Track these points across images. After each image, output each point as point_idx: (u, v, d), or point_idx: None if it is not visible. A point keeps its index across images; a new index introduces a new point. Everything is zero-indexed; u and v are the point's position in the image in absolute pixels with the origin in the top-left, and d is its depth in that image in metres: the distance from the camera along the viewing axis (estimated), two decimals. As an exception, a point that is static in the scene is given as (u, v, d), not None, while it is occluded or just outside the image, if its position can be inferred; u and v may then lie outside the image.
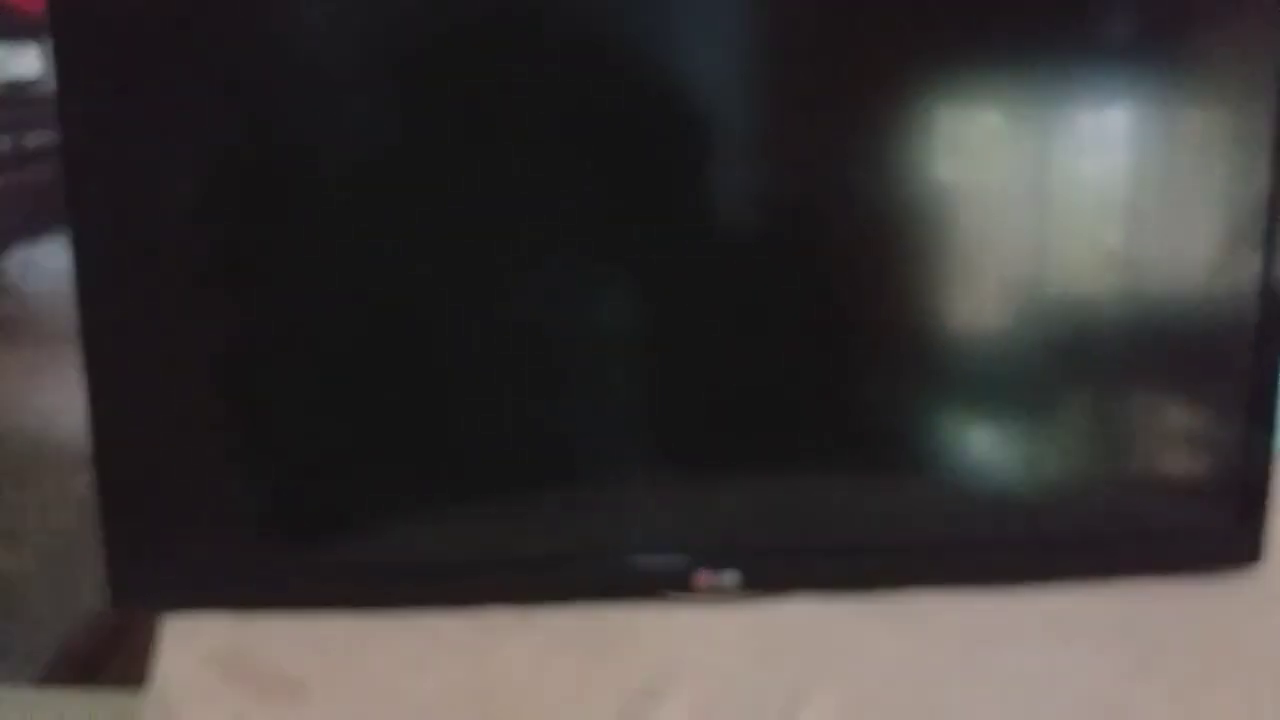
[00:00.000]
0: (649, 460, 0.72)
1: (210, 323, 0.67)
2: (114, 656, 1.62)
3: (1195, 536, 0.76)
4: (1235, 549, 0.75)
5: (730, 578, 0.71)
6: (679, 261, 0.69)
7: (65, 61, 0.62)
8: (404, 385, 0.69)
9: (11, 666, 1.62)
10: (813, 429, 0.73)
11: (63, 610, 1.75)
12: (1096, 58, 0.70)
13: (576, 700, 0.62)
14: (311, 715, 0.60)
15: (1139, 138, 0.72)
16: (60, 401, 2.58)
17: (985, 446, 0.76)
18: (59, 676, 1.60)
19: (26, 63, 2.94)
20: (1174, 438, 0.76)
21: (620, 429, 0.72)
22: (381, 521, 0.70)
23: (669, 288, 0.70)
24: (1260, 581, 0.75)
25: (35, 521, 2.03)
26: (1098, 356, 0.74)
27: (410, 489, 0.70)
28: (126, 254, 0.65)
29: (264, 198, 0.66)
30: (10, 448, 2.38)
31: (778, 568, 0.72)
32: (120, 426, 0.65)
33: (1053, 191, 0.72)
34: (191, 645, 0.65)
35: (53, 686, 1.58)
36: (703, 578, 0.71)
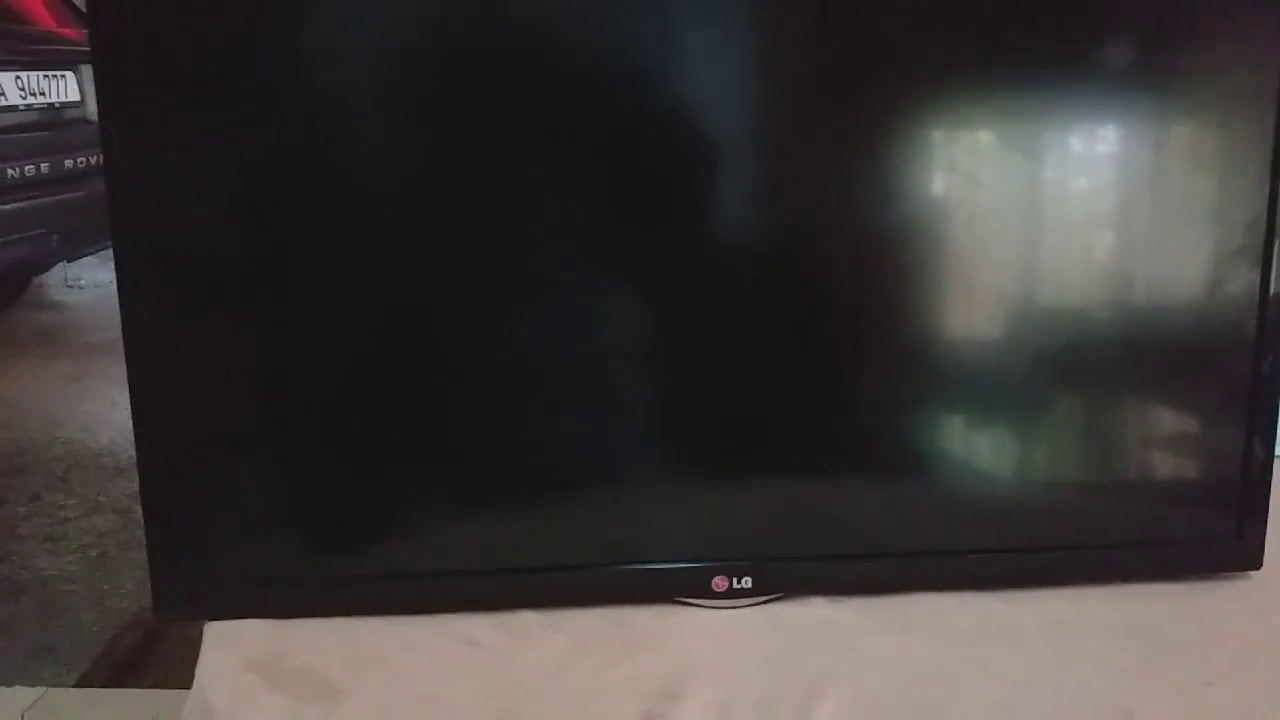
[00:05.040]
0: (669, 471, 0.75)
1: (251, 337, 0.70)
2: (152, 658, 1.66)
3: (1196, 543, 0.77)
4: (1236, 556, 0.77)
5: (746, 582, 0.73)
6: (696, 279, 0.72)
7: (106, 85, 0.65)
8: (435, 400, 0.71)
9: (54, 667, 1.66)
10: (824, 440, 0.75)
11: (103, 612, 1.79)
12: (1096, 76, 0.72)
13: (600, 700, 0.64)
14: (348, 717, 0.62)
15: (1144, 154, 0.74)
16: (99, 410, 2.64)
17: (992, 455, 0.78)
18: (99, 677, 1.64)
19: (64, 87, 3.00)
20: (1176, 446, 0.78)
21: (642, 441, 0.75)
22: (414, 530, 0.73)
23: (690, 305, 0.72)
24: (1260, 587, 0.77)
25: (76, 526, 2.08)
26: (1103, 368, 0.76)
27: (441, 499, 0.73)
28: (167, 270, 0.67)
29: (300, 216, 0.69)
30: (52, 455, 2.44)
31: (791, 573, 0.75)
32: (164, 440, 0.69)
33: (1059, 208, 0.74)
34: (232, 650, 0.67)
35: (93, 686, 1.62)
36: (720, 582, 0.73)
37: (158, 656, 1.66)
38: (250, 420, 0.71)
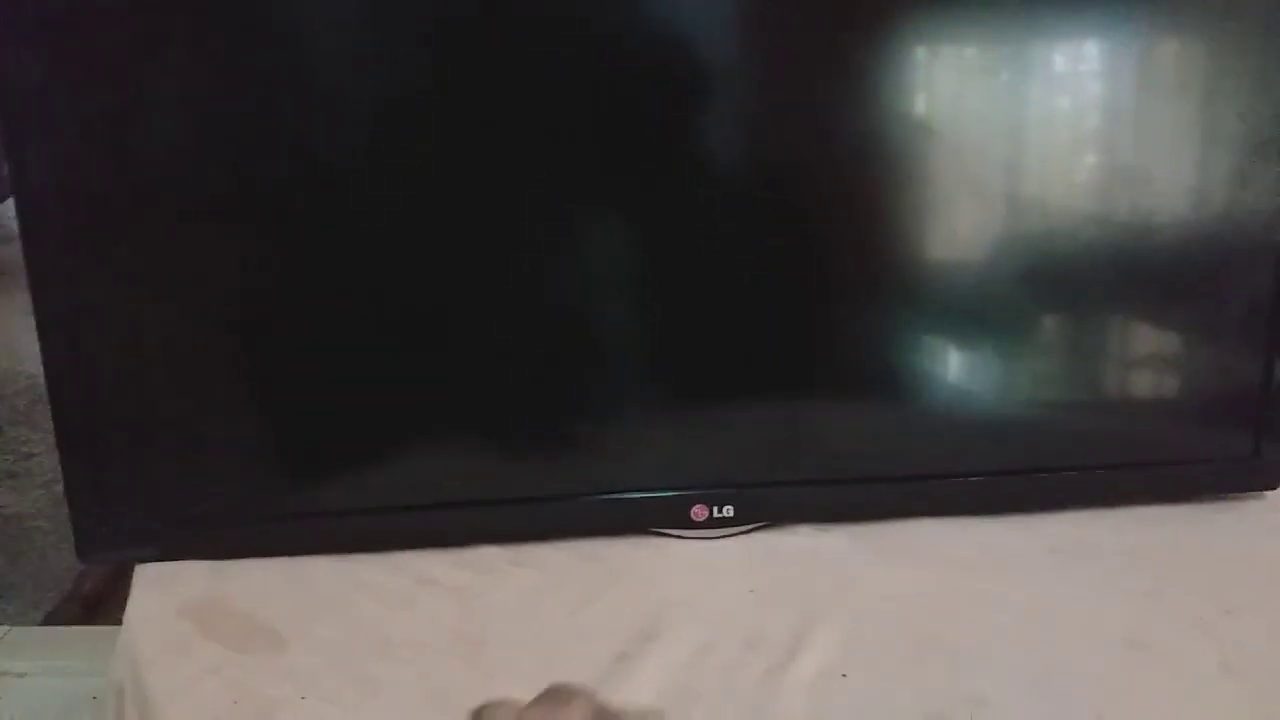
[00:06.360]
0: (644, 394, 0.70)
1: (190, 261, 0.63)
2: (120, 595, 1.62)
3: (1210, 463, 0.74)
4: (1252, 475, 0.73)
5: (727, 511, 0.69)
6: (671, 203, 0.67)
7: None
8: (392, 321, 0.66)
9: (19, 605, 1.62)
10: (812, 359, 0.70)
11: (69, 550, 1.74)
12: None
13: (571, 642, 0.60)
14: (290, 666, 0.57)
15: (1165, 53, 0.69)
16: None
17: (990, 374, 0.73)
18: (66, 615, 1.60)
19: None
20: (1189, 363, 0.73)
21: (616, 364, 0.70)
22: (367, 461, 0.68)
23: (662, 230, 0.67)
24: (1277, 508, 0.73)
25: (40, 463, 2.02)
26: (1112, 282, 0.71)
27: (398, 426, 0.68)
28: (77, 190, 0.61)
29: (246, 122, 0.62)
30: (14, 390, 2.37)
31: (776, 500, 0.71)
32: (79, 365, 0.63)
33: (1071, 115, 0.68)
34: (164, 595, 0.63)
35: (60, 624, 1.58)
36: (699, 511, 0.69)
37: (125, 594, 1.61)
38: (183, 344, 0.65)
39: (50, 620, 1.59)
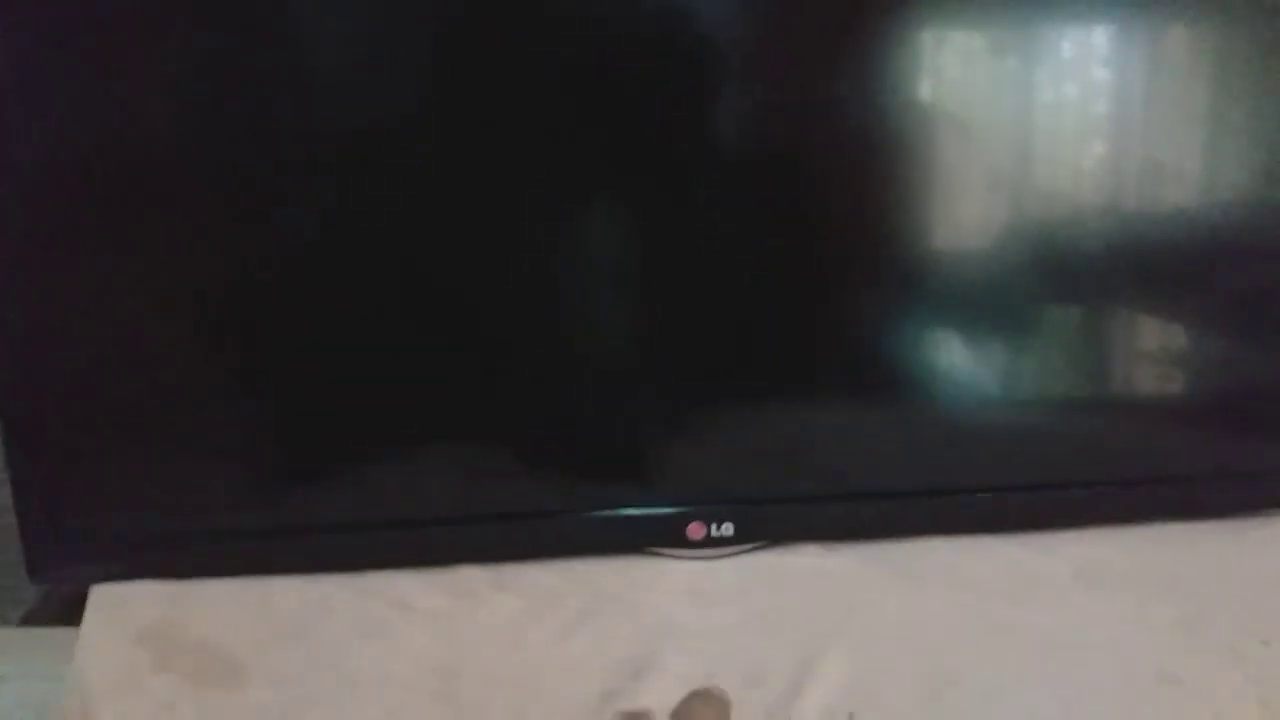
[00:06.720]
0: (636, 404, 0.67)
1: (156, 261, 0.59)
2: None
3: (1245, 477, 0.70)
4: None
5: (726, 529, 0.66)
6: (665, 209, 0.63)
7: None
8: (367, 324, 0.62)
9: (-2, 606, 1.58)
10: (814, 371, 0.67)
11: (47, 548, 1.70)
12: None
13: (555, 676, 0.57)
14: (249, 702, 0.54)
15: (1183, 44, 0.65)
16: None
17: (1006, 381, 0.69)
18: (45, 616, 1.56)
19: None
20: (1222, 369, 0.69)
21: (606, 371, 0.66)
22: (336, 473, 0.64)
23: (658, 238, 0.64)
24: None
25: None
26: (1143, 286, 0.67)
27: (369, 436, 0.64)
28: (31, 174, 0.56)
29: (245, 113, 0.58)
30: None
31: (778, 518, 0.67)
32: (31, 378, 0.59)
33: (1092, 106, 0.64)
34: (119, 620, 0.59)
35: (39, 625, 1.54)
36: (696, 530, 0.66)
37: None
38: (142, 350, 0.61)
39: (29, 621, 1.55)
